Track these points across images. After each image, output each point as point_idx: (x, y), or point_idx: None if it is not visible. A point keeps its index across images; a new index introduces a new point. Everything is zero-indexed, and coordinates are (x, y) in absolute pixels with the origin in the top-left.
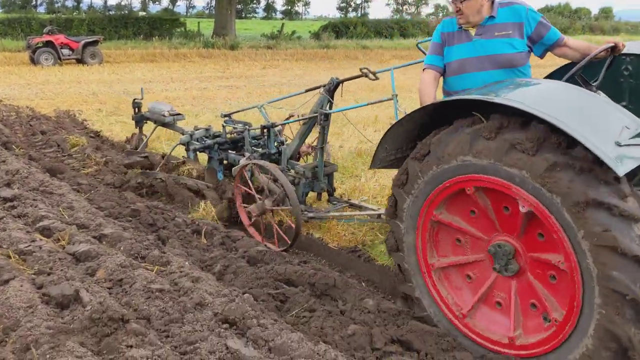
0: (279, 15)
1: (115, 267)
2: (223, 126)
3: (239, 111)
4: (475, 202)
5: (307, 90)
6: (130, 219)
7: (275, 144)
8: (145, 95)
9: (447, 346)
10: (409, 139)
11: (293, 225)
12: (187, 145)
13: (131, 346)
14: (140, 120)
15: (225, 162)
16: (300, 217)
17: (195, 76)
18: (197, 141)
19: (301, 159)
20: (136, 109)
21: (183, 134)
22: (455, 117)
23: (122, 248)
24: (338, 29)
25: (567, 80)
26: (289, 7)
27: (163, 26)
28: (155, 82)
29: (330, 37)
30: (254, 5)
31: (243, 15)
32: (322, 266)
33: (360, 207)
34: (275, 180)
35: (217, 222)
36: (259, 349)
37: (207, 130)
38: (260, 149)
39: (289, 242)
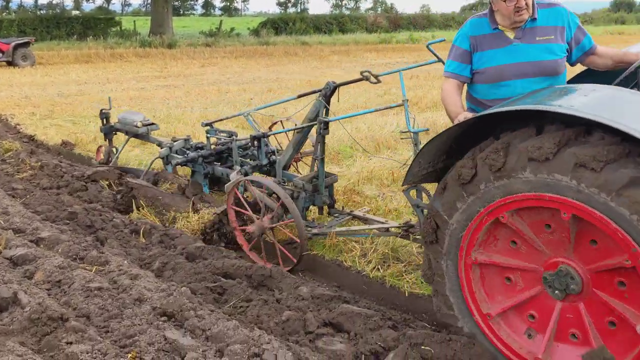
0: (218, 12)
1: (53, 268)
2: (207, 137)
3: (221, 119)
4: (513, 231)
5: (299, 96)
6: (68, 221)
7: (266, 154)
8: (81, 97)
9: (374, 326)
10: (441, 151)
11: (298, 240)
12: (165, 158)
13: (71, 343)
14: (109, 132)
15: (209, 175)
16: (304, 233)
17: (133, 76)
18: (177, 153)
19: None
20: (104, 120)
21: (159, 146)
22: (491, 128)
23: (60, 250)
24: (277, 25)
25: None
26: (228, 4)
27: (97, 26)
28: (91, 84)
29: (269, 34)
30: (192, 2)
31: (181, 12)
32: (340, 291)
33: (365, 220)
34: (271, 194)
35: (156, 221)
36: (196, 338)
37: (186, 140)
38: (249, 161)
39: (295, 261)
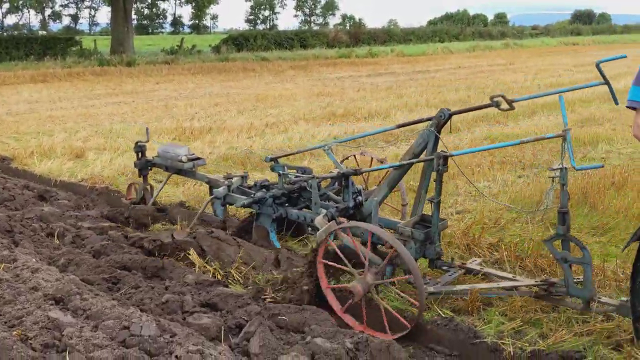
0: (187, 30)
1: None
2: (280, 174)
3: (291, 154)
4: None
5: (399, 126)
6: None
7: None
8: (29, 115)
9: (241, 303)
10: None
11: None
12: (223, 199)
13: None
14: (144, 167)
15: (279, 219)
16: (424, 293)
17: (85, 94)
18: (234, 193)
19: None
20: (139, 154)
21: (210, 184)
22: None
23: None
24: (239, 42)
25: None
26: (197, 21)
27: (57, 45)
28: (42, 102)
29: (230, 50)
30: (161, 21)
31: (150, 30)
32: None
33: (484, 275)
34: (374, 246)
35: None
36: (77, 317)
37: (243, 178)
38: (334, 203)
39: (409, 327)
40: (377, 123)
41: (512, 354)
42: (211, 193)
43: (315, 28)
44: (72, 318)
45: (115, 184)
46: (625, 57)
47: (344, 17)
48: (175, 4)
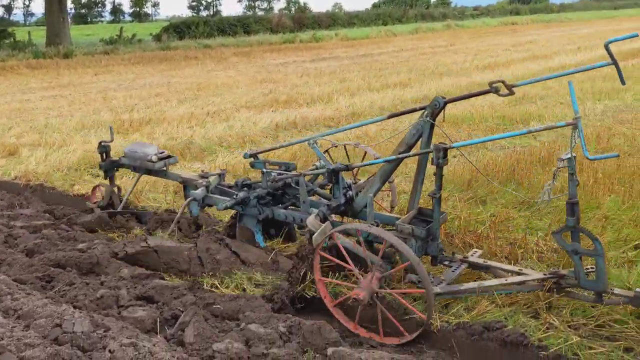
0: (127, 18)
1: None
2: (263, 172)
3: (271, 149)
4: None
5: (391, 116)
6: None
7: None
8: None
9: (177, 294)
10: None
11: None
12: (202, 200)
13: None
14: (110, 168)
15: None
16: (433, 297)
17: (19, 89)
18: (212, 193)
19: None
20: (104, 155)
21: (183, 184)
22: None
23: None
24: (180, 30)
25: None
26: (137, 9)
27: None
28: None
29: (172, 38)
30: (100, 10)
31: (89, 20)
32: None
33: (487, 268)
34: (371, 244)
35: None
36: (8, 317)
37: (220, 176)
38: (322, 200)
39: (410, 337)
40: (320, 108)
41: (439, 327)
42: (186, 193)
43: (261, 13)
44: (3, 319)
45: (51, 181)
46: (637, 35)
47: (289, 1)
48: None
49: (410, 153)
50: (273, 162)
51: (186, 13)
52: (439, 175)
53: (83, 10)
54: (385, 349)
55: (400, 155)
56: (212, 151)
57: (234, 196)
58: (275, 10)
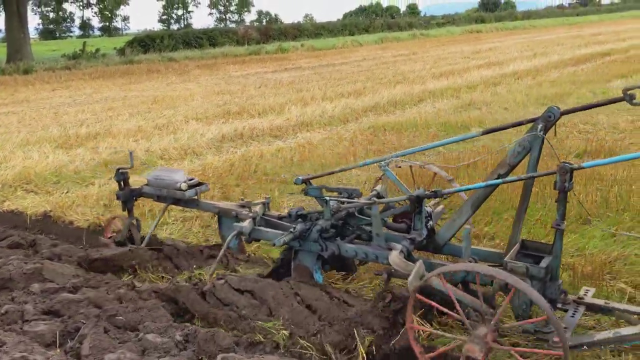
0: (97, 33)
1: None
2: (326, 201)
3: (328, 174)
4: None
5: (486, 132)
6: None
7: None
8: None
9: (81, 308)
10: None
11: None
12: (248, 235)
13: None
14: (129, 198)
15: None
16: (568, 349)
17: None
18: (260, 225)
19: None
20: (121, 183)
21: (219, 214)
22: None
23: None
24: (145, 43)
25: None
26: (107, 24)
27: None
28: None
29: (136, 52)
30: (68, 24)
31: (57, 35)
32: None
33: (609, 310)
34: (466, 285)
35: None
36: None
37: (264, 205)
38: (405, 234)
39: None
40: (270, 118)
41: None
42: (221, 225)
43: (232, 26)
44: None
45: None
46: None
47: (260, 13)
48: (80, 6)
49: (522, 177)
50: (331, 189)
51: (157, 27)
52: (563, 201)
53: (51, 26)
54: (277, 352)
55: (508, 180)
56: (152, 164)
57: (291, 229)
58: (247, 22)
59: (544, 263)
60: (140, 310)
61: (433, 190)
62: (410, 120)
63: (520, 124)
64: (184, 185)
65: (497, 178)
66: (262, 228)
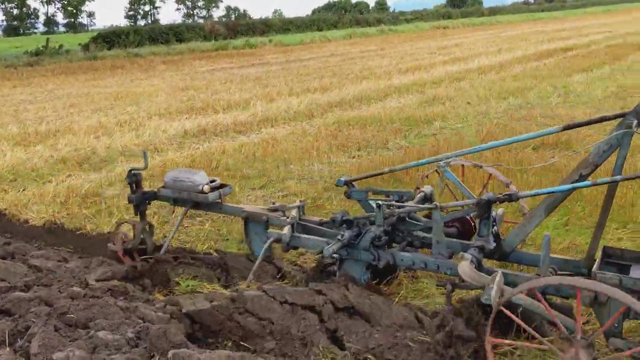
0: (62, 29)
1: None
2: (378, 205)
3: (374, 175)
4: None
5: (566, 128)
6: None
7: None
8: None
9: (32, 306)
10: None
11: None
12: (286, 244)
13: None
14: (142, 201)
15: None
16: None
17: None
18: (297, 231)
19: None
20: (134, 185)
21: (247, 219)
22: None
23: None
24: (109, 39)
25: None
26: (72, 20)
27: None
28: None
29: (101, 48)
30: (32, 21)
31: (21, 32)
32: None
33: None
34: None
35: None
36: None
37: (299, 208)
38: (475, 242)
39: None
40: (235, 114)
41: None
42: (247, 230)
43: (200, 21)
44: None
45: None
46: None
47: (228, 8)
48: (43, 1)
49: (617, 178)
50: (379, 191)
51: (124, 22)
52: None
53: (15, 22)
54: (228, 347)
55: (600, 181)
56: (113, 161)
57: (339, 237)
58: (215, 18)
59: (635, 273)
60: (93, 307)
61: (507, 193)
62: (374, 116)
63: (605, 119)
64: (206, 188)
65: (580, 179)
66: (302, 235)
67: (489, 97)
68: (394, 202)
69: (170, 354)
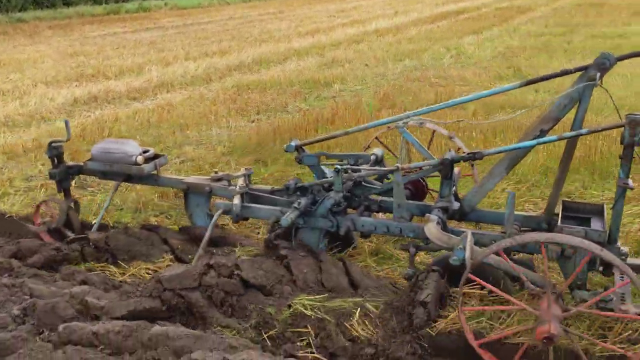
0: None
1: None
2: (337, 170)
3: (326, 139)
4: None
5: (528, 83)
6: None
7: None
8: None
9: None
10: None
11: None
12: (236, 216)
13: None
14: (65, 177)
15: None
16: None
17: None
18: (246, 201)
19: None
20: (55, 159)
21: (188, 191)
22: None
23: None
24: None
25: None
26: None
27: None
28: None
29: None
30: None
31: None
32: None
33: None
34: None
35: None
36: None
37: (246, 177)
38: (437, 204)
39: None
40: (129, 80)
41: None
42: (188, 202)
43: None
44: None
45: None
46: None
47: None
48: None
49: (582, 131)
50: (332, 155)
51: None
52: (629, 157)
53: None
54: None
55: (568, 135)
56: None
57: (295, 205)
58: None
59: (596, 225)
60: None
61: (470, 152)
62: (274, 79)
63: (568, 72)
64: (140, 159)
65: (541, 134)
66: (253, 205)
67: (386, 59)
68: (349, 167)
69: (61, 327)
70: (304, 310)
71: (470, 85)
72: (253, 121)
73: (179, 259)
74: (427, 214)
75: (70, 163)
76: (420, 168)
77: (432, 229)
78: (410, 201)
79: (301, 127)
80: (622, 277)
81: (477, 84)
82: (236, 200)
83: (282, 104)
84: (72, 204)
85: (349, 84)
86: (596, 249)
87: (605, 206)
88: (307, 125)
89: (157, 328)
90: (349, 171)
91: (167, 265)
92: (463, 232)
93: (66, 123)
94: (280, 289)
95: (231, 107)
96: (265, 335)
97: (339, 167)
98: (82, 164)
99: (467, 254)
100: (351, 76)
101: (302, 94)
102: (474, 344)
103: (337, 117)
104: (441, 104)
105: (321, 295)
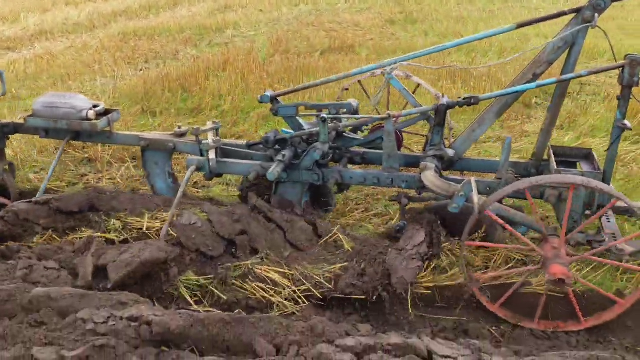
0: None
1: None
2: (323, 119)
3: (306, 87)
4: None
5: (520, 26)
6: None
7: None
8: None
9: None
10: None
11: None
12: (210, 172)
13: None
14: (0, 137)
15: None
16: None
17: None
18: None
19: None
20: None
21: (147, 148)
22: None
23: None
24: None
25: None
26: None
27: None
28: None
29: None
30: None
31: None
32: None
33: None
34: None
35: None
36: None
37: (215, 130)
38: (429, 152)
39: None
40: (2, 29)
41: None
42: (145, 160)
43: None
44: None
45: None
46: None
47: None
48: None
49: (572, 75)
50: (313, 105)
51: None
52: (627, 98)
53: None
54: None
55: (563, 79)
56: None
57: (279, 158)
58: None
59: (586, 168)
60: None
61: (466, 97)
62: (164, 25)
63: (563, 14)
64: (91, 114)
65: (534, 78)
66: (228, 160)
67: (281, 4)
68: (333, 116)
69: None
70: None
71: (363, 30)
72: (141, 69)
73: None
74: (423, 162)
75: (5, 121)
76: (414, 116)
77: (430, 176)
78: (399, 152)
79: (192, 75)
80: (609, 219)
81: (369, 29)
82: (212, 155)
83: (173, 51)
84: (7, 167)
85: (242, 29)
86: (618, 194)
87: (592, 151)
88: (197, 73)
89: (38, 290)
90: (335, 121)
91: None
92: (459, 180)
93: (1, 75)
94: None
95: (117, 55)
96: None
97: (324, 116)
98: (20, 121)
99: (476, 199)
100: (245, 22)
101: (193, 41)
102: (491, 307)
103: (228, 64)
104: (429, 48)
105: None
